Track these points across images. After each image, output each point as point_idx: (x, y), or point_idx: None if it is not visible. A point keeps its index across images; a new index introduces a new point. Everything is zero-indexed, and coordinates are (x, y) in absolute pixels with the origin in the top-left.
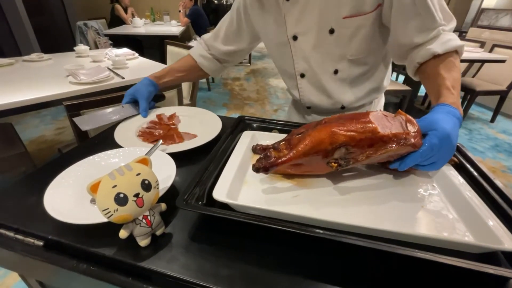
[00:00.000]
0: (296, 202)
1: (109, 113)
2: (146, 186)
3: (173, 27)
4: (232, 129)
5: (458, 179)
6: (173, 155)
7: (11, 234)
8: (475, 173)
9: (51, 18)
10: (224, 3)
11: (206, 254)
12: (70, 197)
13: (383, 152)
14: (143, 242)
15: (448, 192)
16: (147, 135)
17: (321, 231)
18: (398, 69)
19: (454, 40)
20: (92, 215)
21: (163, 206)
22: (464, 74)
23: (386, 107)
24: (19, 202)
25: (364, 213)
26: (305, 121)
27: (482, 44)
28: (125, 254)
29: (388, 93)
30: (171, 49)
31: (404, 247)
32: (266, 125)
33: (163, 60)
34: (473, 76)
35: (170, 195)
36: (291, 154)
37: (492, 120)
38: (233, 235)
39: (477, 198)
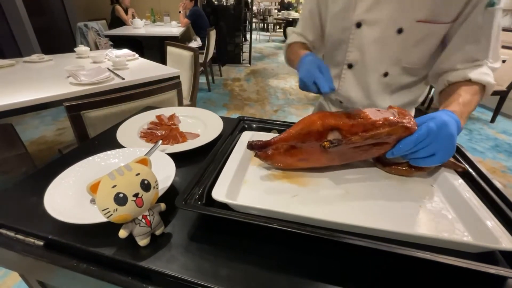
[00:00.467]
0: (295, 202)
1: None
2: (146, 186)
3: (173, 28)
4: (232, 130)
5: (456, 179)
6: (172, 155)
7: (11, 234)
8: (474, 173)
9: (51, 19)
10: (224, 3)
11: (206, 254)
12: (70, 197)
13: (376, 133)
14: (142, 241)
15: (447, 192)
16: (150, 136)
17: (320, 231)
18: None
19: (489, 77)
20: (92, 215)
21: (163, 206)
22: None
23: None
24: (19, 202)
25: (363, 213)
26: None
27: None
28: (124, 254)
29: None
30: (171, 50)
31: (403, 247)
32: (265, 126)
33: (163, 61)
34: None
35: (170, 195)
36: (284, 134)
37: (492, 120)
38: (232, 235)
39: (476, 198)
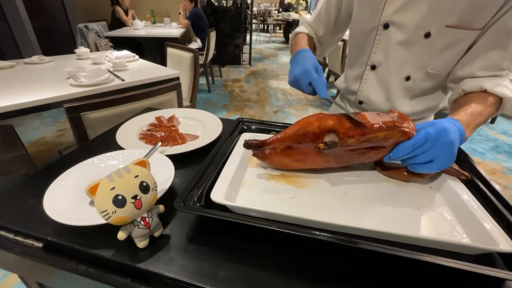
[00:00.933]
0: (293, 203)
1: None
2: (144, 188)
3: (174, 29)
4: (231, 131)
5: (454, 181)
6: (171, 157)
7: (11, 235)
8: (471, 175)
9: (52, 20)
10: (224, 5)
11: (204, 255)
12: (70, 199)
13: (372, 137)
14: (141, 243)
15: (445, 194)
16: (149, 137)
17: (318, 233)
18: None
19: (507, 89)
20: (91, 217)
21: (161, 208)
22: None
23: None
24: (19, 204)
25: (362, 214)
26: None
27: None
28: (123, 256)
29: None
30: (171, 51)
31: (401, 249)
32: (264, 127)
33: (163, 62)
34: None
35: (169, 197)
36: (281, 134)
37: (492, 121)
38: (231, 237)
39: (474, 200)
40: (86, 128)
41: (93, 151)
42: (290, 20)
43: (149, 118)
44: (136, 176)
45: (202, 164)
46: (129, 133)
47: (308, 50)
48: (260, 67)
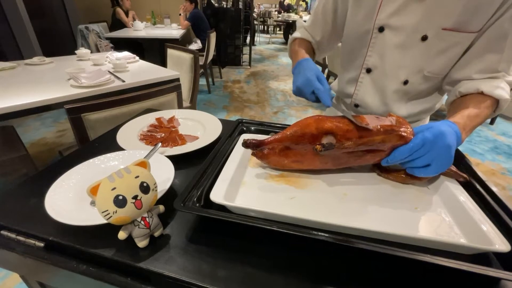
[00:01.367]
0: (292, 204)
1: None
2: (145, 188)
3: (174, 30)
4: (231, 132)
5: (451, 182)
6: (171, 158)
7: (12, 235)
8: (468, 175)
9: (52, 22)
10: (225, 6)
11: (204, 255)
12: (71, 199)
13: (369, 140)
14: (141, 243)
15: (442, 195)
16: (149, 138)
17: (317, 233)
18: None
19: (503, 91)
20: (91, 217)
21: (161, 208)
22: None
23: None
24: (20, 204)
25: (360, 215)
26: None
27: None
28: (124, 255)
29: None
30: (171, 52)
31: (399, 249)
32: (264, 128)
33: (163, 63)
34: None
35: (169, 197)
36: (279, 134)
37: (492, 122)
38: (230, 237)
39: (471, 201)
40: (87, 129)
41: (93, 151)
42: (290, 21)
43: (149, 119)
44: (137, 177)
45: (201, 165)
46: (129, 134)
47: (308, 59)
48: (260, 68)
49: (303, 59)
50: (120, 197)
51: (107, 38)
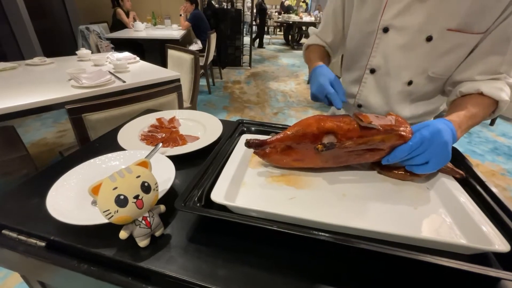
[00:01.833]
0: (293, 204)
1: None
2: (146, 188)
3: (174, 31)
4: (231, 133)
5: (452, 182)
6: (172, 158)
7: (14, 235)
8: (468, 175)
9: (53, 22)
10: (225, 7)
11: (204, 255)
12: (72, 199)
13: (369, 139)
14: (142, 243)
15: (442, 195)
16: (150, 138)
17: (317, 233)
18: None
19: (503, 92)
20: (93, 216)
21: (162, 207)
22: None
23: None
24: (22, 204)
25: (360, 215)
26: None
27: None
28: (125, 255)
29: None
30: (171, 53)
31: (399, 249)
32: (264, 129)
33: (164, 63)
34: None
35: (169, 197)
36: (281, 134)
37: (492, 123)
38: (230, 237)
39: (470, 201)
40: (88, 129)
41: (94, 152)
42: (290, 22)
43: (150, 119)
44: (138, 177)
45: (202, 165)
46: (130, 134)
47: (321, 66)
48: (260, 68)
49: (317, 66)
50: (122, 197)
51: (107, 39)
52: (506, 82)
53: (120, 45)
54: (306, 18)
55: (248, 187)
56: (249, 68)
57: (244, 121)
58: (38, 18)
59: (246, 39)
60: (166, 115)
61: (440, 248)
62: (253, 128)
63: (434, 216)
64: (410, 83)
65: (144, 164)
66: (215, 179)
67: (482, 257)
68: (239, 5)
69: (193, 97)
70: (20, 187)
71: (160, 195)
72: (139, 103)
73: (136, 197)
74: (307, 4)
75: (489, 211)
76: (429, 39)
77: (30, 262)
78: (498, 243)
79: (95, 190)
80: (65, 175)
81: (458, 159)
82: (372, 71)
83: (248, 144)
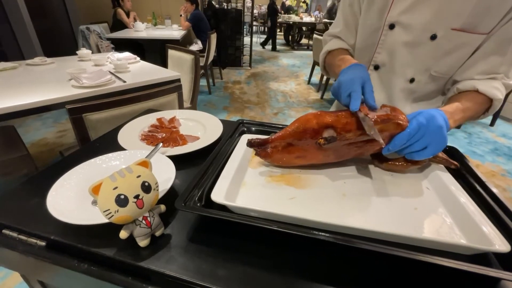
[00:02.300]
0: (293, 204)
1: None
2: (146, 188)
3: (175, 31)
4: (231, 133)
5: (451, 182)
6: (173, 157)
7: (14, 234)
8: (468, 176)
9: (54, 22)
10: (225, 7)
11: (204, 254)
12: (72, 199)
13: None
14: (142, 242)
15: (442, 195)
16: (150, 138)
17: (317, 233)
18: None
19: (498, 91)
20: (93, 216)
21: (163, 207)
22: None
23: None
24: (22, 204)
25: (360, 215)
26: None
27: None
28: (125, 254)
29: None
30: (172, 53)
31: (398, 249)
32: (264, 129)
33: (164, 64)
34: None
35: (170, 197)
36: (282, 132)
37: (492, 124)
38: (230, 237)
39: (470, 201)
40: (88, 129)
41: (94, 151)
42: (291, 22)
43: (150, 119)
44: (138, 176)
45: (202, 165)
46: (130, 134)
47: (362, 65)
48: (260, 69)
49: (356, 64)
50: (122, 196)
51: (108, 39)
52: (502, 83)
53: (120, 45)
54: (307, 19)
55: (248, 187)
56: (249, 68)
57: (244, 121)
58: (39, 18)
59: (246, 39)
60: (166, 115)
61: (440, 248)
62: (253, 128)
63: (434, 216)
64: (412, 80)
65: (145, 164)
66: (215, 179)
67: (482, 257)
68: (239, 5)
69: (193, 97)
70: (20, 187)
71: (161, 195)
72: (140, 103)
73: (137, 196)
74: (307, 4)
75: (489, 212)
76: (433, 37)
77: (30, 262)
78: (498, 243)
79: (95, 190)
80: (66, 175)
81: (458, 159)
82: (376, 67)
83: (250, 143)
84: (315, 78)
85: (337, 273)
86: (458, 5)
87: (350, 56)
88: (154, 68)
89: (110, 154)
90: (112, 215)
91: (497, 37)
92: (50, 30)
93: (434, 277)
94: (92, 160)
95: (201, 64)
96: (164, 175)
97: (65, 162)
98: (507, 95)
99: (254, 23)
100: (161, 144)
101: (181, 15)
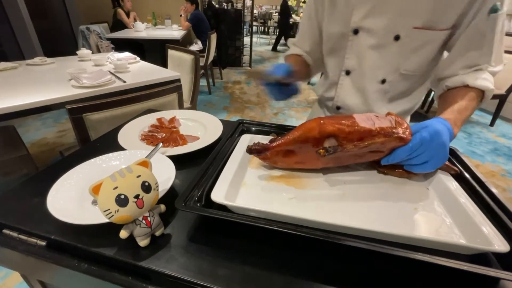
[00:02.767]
0: (292, 204)
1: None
2: (146, 187)
3: (175, 31)
4: (231, 133)
5: (450, 182)
6: (173, 157)
7: (14, 234)
8: (468, 176)
9: (54, 22)
10: (225, 7)
11: (204, 254)
12: (73, 198)
13: (371, 143)
14: (142, 242)
15: (442, 195)
16: (150, 138)
17: (317, 232)
18: None
19: (488, 82)
20: (93, 216)
21: (163, 207)
22: None
23: None
24: (22, 203)
25: (359, 215)
26: None
27: None
28: (125, 254)
29: None
30: (172, 53)
31: (398, 249)
32: (264, 129)
33: (164, 64)
34: None
35: (170, 197)
36: (283, 139)
37: (492, 124)
38: (230, 236)
39: (470, 201)
40: (88, 129)
41: (95, 151)
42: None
43: (150, 119)
44: (138, 176)
45: (202, 165)
46: (130, 134)
47: (284, 64)
48: (260, 69)
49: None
50: (122, 196)
51: (108, 39)
52: (488, 71)
53: (120, 45)
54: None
55: (248, 187)
56: (249, 68)
57: (244, 121)
58: (39, 18)
59: (246, 39)
60: (166, 115)
61: (440, 248)
62: (253, 128)
63: (433, 216)
64: (384, 81)
65: (145, 163)
66: (215, 179)
67: (482, 257)
68: (239, 5)
69: (193, 97)
70: (20, 187)
71: (161, 194)
72: (140, 103)
73: (137, 196)
74: None
75: (489, 212)
76: (397, 38)
77: (30, 262)
78: (498, 243)
79: (95, 190)
80: (66, 175)
81: (458, 159)
82: (348, 72)
83: (250, 151)
84: (315, 78)
85: (337, 273)
86: (417, 4)
87: (297, 59)
88: (154, 68)
89: (110, 154)
90: (112, 215)
91: (469, 34)
92: (50, 30)
93: (433, 277)
94: (92, 160)
95: (201, 64)
96: (164, 175)
97: (65, 162)
98: (507, 95)
99: (254, 23)
100: (161, 144)
101: (181, 15)
